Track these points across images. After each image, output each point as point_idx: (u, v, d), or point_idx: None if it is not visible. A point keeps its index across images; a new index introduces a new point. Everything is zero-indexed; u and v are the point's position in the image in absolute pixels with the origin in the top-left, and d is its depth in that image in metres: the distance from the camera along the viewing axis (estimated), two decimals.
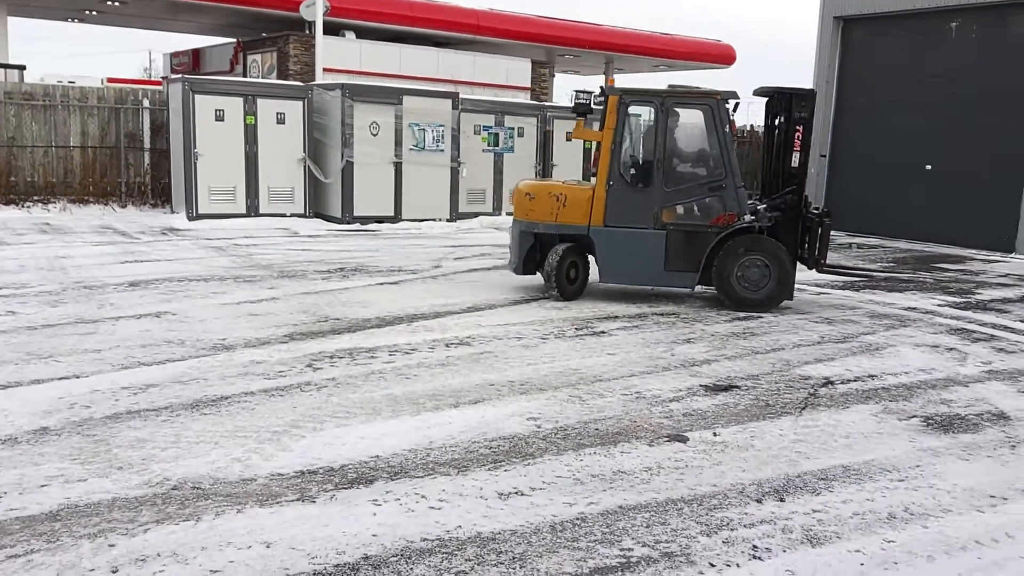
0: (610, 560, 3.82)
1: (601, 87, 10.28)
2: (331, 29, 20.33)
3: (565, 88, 32.04)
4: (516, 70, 22.91)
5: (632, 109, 9.85)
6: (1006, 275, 13.72)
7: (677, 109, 9.78)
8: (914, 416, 6.17)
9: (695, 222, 9.70)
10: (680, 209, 9.70)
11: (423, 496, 4.41)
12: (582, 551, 3.90)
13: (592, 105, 10.04)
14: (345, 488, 4.48)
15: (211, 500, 4.27)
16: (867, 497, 4.66)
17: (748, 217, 9.57)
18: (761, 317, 9.35)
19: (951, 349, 8.30)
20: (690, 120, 9.93)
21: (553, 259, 9.80)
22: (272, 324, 8.07)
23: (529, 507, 4.34)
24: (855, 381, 7.02)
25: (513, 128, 18.88)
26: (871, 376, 7.20)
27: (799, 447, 5.41)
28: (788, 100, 9.83)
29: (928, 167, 17.81)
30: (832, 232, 10.18)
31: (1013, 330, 9.34)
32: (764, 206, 9.80)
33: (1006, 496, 4.78)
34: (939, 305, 10.59)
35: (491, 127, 18.54)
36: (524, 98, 22.09)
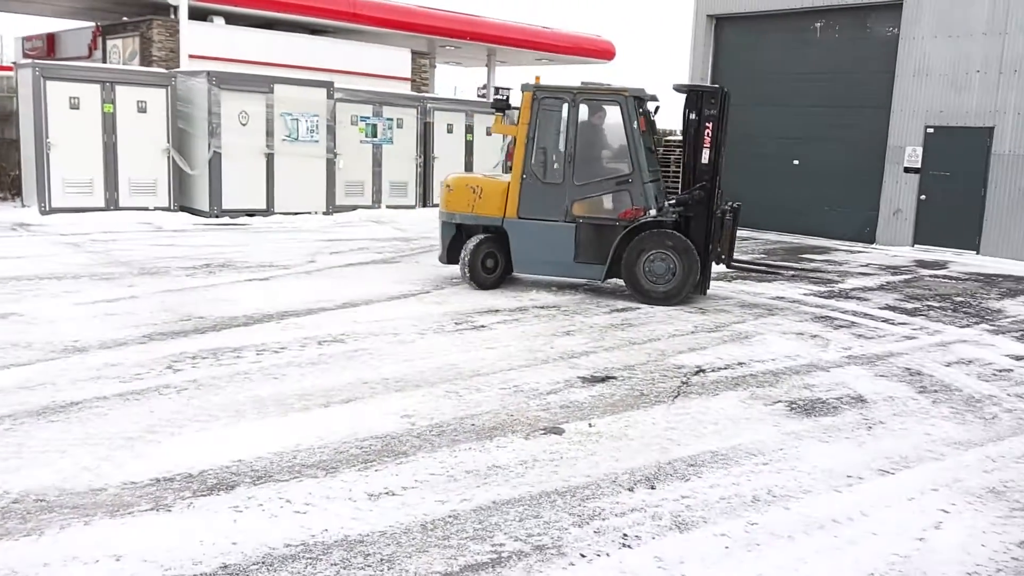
0: (481, 557, 3.77)
1: (524, 84, 10.37)
2: (198, 14, 19.59)
3: (447, 79, 31.85)
4: (395, 60, 22.58)
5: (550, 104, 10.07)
6: (867, 264, 14.33)
7: (588, 105, 10.03)
8: (779, 401, 6.34)
9: (603, 216, 9.89)
10: (589, 203, 9.91)
11: (288, 500, 4.25)
12: (453, 549, 3.83)
13: (510, 101, 10.38)
14: (204, 495, 4.28)
15: (56, 513, 4.01)
16: (733, 481, 4.75)
17: (652, 212, 9.70)
18: (639, 308, 9.47)
19: (815, 336, 8.59)
20: (601, 116, 10.17)
21: (467, 249, 10.18)
22: (130, 324, 7.69)
23: (400, 507, 4.25)
24: (725, 369, 7.18)
25: (392, 119, 18.61)
26: (740, 364, 7.37)
27: (671, 434, 5.48)
28: (699, 97, 9.95)
29: (796, 162, 18.45)
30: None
31: (872, 317, 9.74)
32: (672, 201, 9.97)
33: (862, 476, 4.96)
34: (805, 294, 10.96)
35: (369, 118, 18.21)
36: (404, 89, 21.82)
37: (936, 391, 6.84)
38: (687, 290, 9.74)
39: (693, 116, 10.00)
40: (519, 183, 10.08)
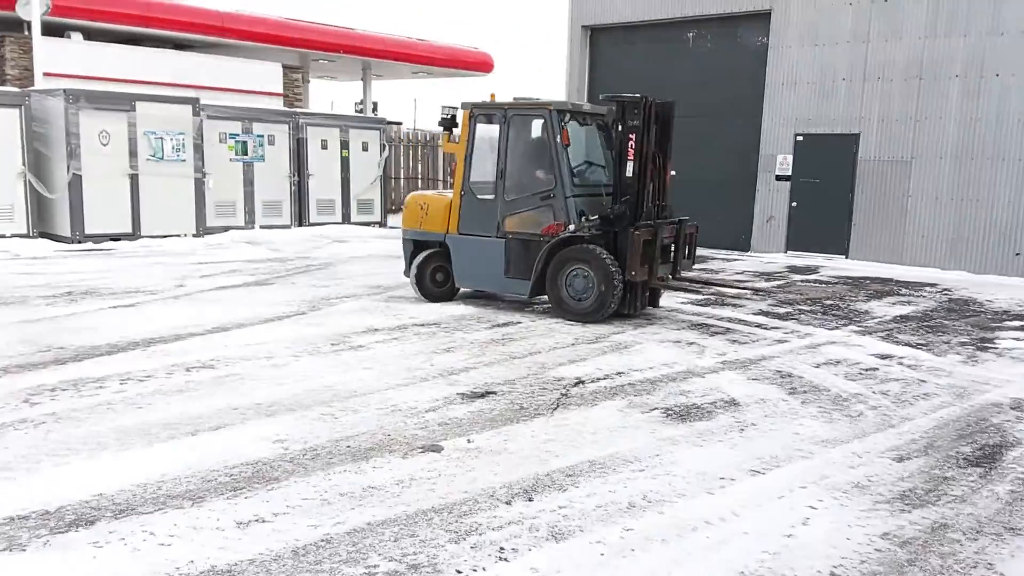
0: None
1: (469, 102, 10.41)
2: (55, 30, 18.76)
3: (322, 94, 31.35)
4: (266, 75, 22.07)
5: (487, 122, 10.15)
6: (742, 272, 14.77)
7: (516, 121, 10.03)
8: (655, 408, 6.43)
9: (529, 231, 9.90)
10: (518, 218, 9.97)
11: (151, 533, 4.06)
12: (325, 573, 3.72)
13: (456, 119, 10.36)
14: (61, 532, 4.05)
15: None
16: (610, 489, 4.78)
17: (571, 227, 9.61)
18: (519, 323, 9.50)
19: (691, 343, 8.77)
20: (532, 132, 10.15)
21: (415, 264, 10.70)
22: None
23: (271, 533, 4.11)
24: (604, 379, 7.24)
25: (263, 136, 18.20)
26: (619, 373, 7.46)
27: (550, 446, 5.48)
28: (623, 108, 9.66)
29: (673, 172, 18.87)
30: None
31: (746, 322, 10.02)
32: (596, 216, 9.68)
33: (734, 477, 5.07)
34: (682, 303, 11.19)
35: (238, 135, 17.78)
36: (276, 105, 21.35)
37: (805, 392, 7.07)
38: (609, 306, 9.47)
39: (620, 128, 9.78)
40: (459, 200, 10.34)
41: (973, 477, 5.25)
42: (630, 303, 9.78)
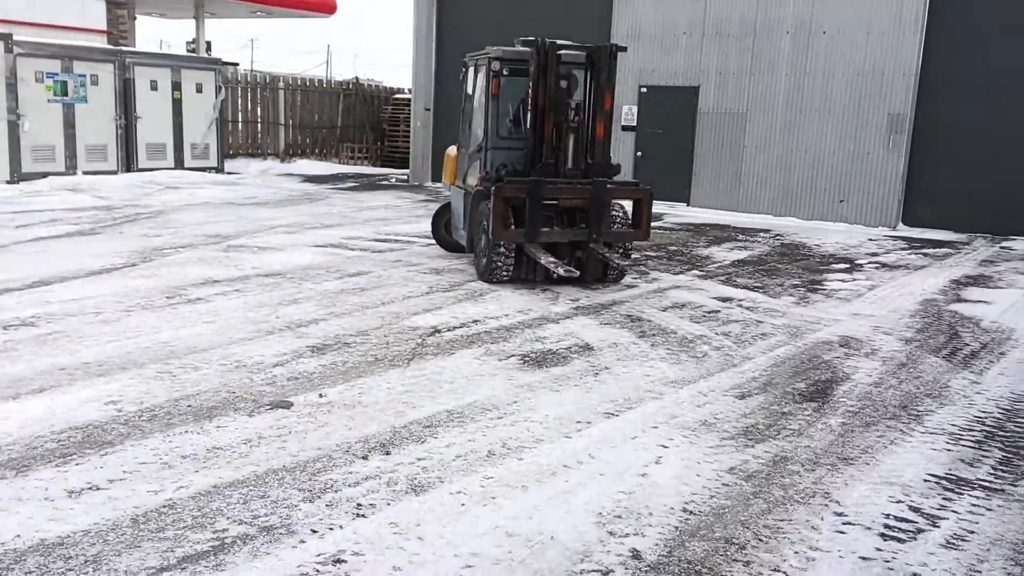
0: (202, 545, 3.45)
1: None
2: None
3: (150, 32, 29.59)
4: (87, 11, 20.50)
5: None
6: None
7: (478, 70, 9.69)
8: (512, 355, 6.39)
9: (471, 184, 9.60)
10: (469, 170, 9.80)
11: None
12: (169, 541, 3.48)
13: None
14: None
15: None
16: (469, 438, 4.71)
17: (472, 180, 9.41)
18: (371, 272, 9.25)
19: (545, 290, 8.78)
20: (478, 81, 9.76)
21: (434, 214, 11.00)
22: None
23: (106, 502, 3.82)
24: (460, 327, 7.15)
25: (85, 76, 16.95)
26: (475, 321, 7.38)
27: (406, 398, 5.36)
28: (530, 57, 8.81)
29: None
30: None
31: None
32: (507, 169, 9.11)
33: (590, 420, 5.11)
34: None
35: (57, 74, 16.49)
36: (100, 42, 19.90)
37: (654, 335, 7.21)
38: (494, 266, 8.78)
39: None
40: (456, 152, 10.36)
41: (808, 411, 5.52)
42: (529, 267, 8.94)
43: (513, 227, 8.68)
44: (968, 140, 15.39)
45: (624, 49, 9.16)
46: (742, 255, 11.84)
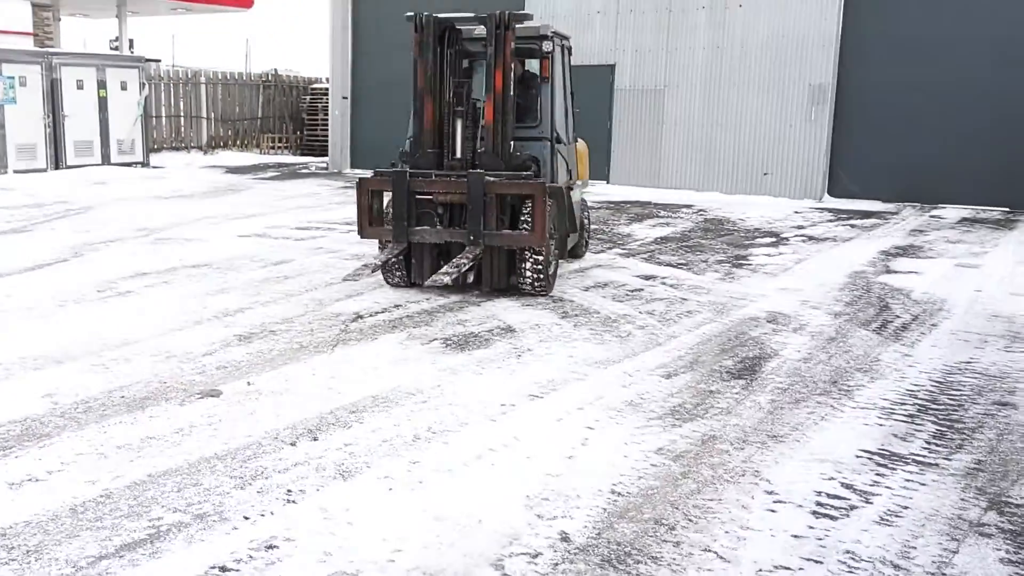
0: (138, 533, 3.59)
1: None
2: None
3: (74, 32, 29.02)
4: (13, 14, 20.41)
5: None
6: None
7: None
8: (435, 339, 6.56)
9: None
10: None
11: None
12: (107, 530, 3.61)
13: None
14: None
15: None
16: (394, 423, 4.86)
17: None
18: (294, 261, 9.35)
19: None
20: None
21: None
22: None
23: (45, 493, 3.92)
24: (382, 312, 7.30)
25: (14, 77, 16.99)
26: (396, 306, 7.53)
27: (332, 384, 5.50)
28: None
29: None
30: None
31: None
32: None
33: (514, 403, 5.26)
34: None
35: None
36: (26, 44, 19.82)
37: (576, 315, 7.41)
38: (390, 263, 7.98)
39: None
40: None
41: (736, 389, 5.60)
42: (428, 267, 7.97)
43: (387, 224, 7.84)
44: (893, 108, 15.52)
45: (527, 17, 7.95)
46: (664, 232, 12.10)
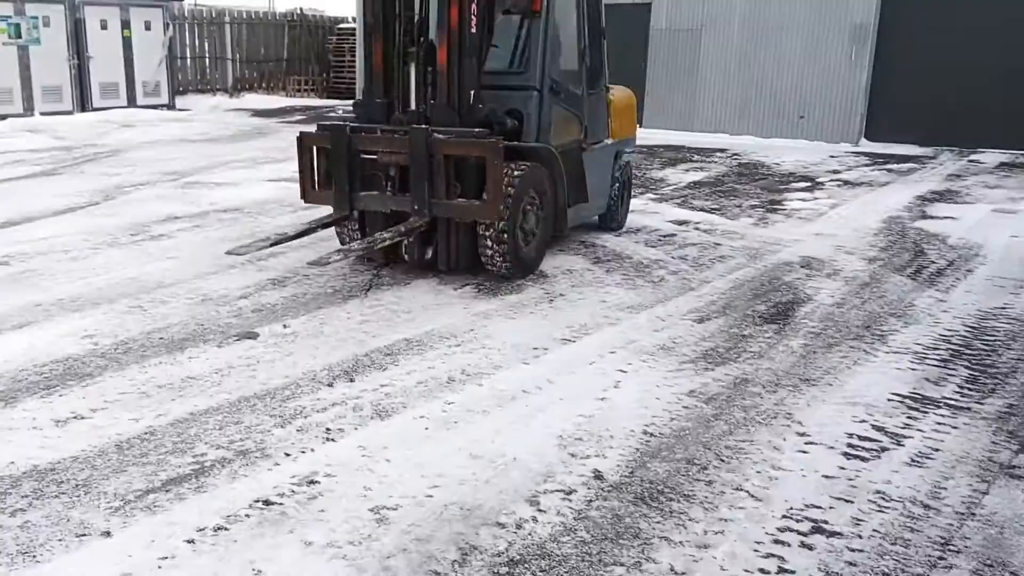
0: (183, 469, 3.69)
1: None
2: None
3: None
4: None
5: None
6: None
7: None
8: (467, 284, 6.58)
9: None
10: None
11: None
12: (152, 465, 3.72)
13: None
14: None
15: None
16: (429, 365, 4.93)
17: None
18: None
19: None
20: None
21: None
22: None
23: (91, 430, 4.04)
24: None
25: (37, 17, 16.86)
26: None
27: (366, 327, 5.56)
28: None
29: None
30: None
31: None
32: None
33: (547, 347, 5.30)
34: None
35: (10, 17, 16.39)
36: None
37: (609, 260, 7.42)
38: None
39: None
40: None
41: (769, 334, 5.61)
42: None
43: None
44: (933, 50, 15.14)
45: None
46: (698, 176, 11.99)
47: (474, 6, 6.30)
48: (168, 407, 4.31)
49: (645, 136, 16.32)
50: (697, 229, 8.70)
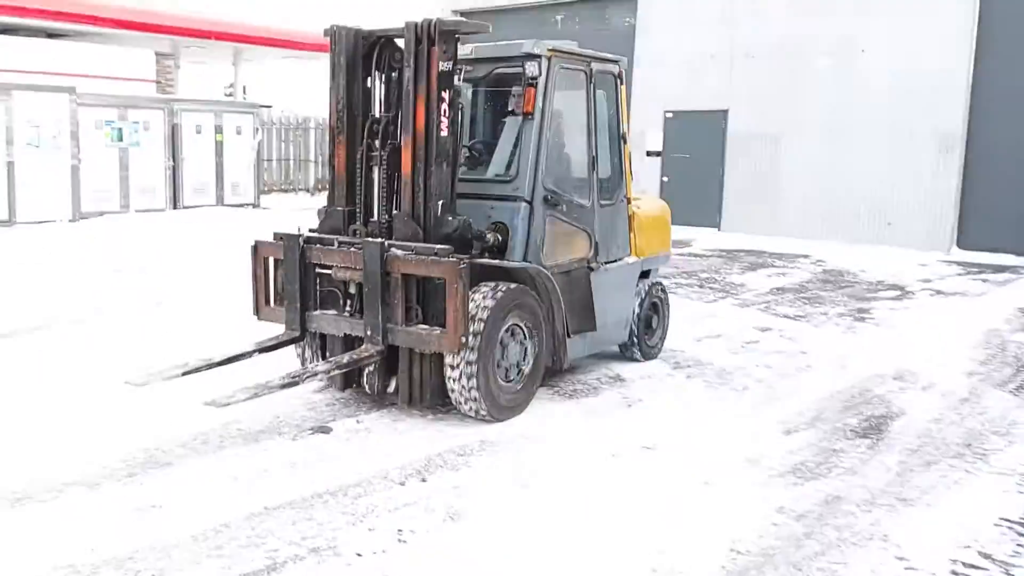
0: (256, 564, 3.65)
1: None
2: None
3: (193, 79, 30.77)
4: (138, 62, 21.77)
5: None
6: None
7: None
8: (542, 386, 6.35)
9: None
10: None
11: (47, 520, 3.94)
12: (227, 558, 3.68)
13: None
14: None
15: None
16: (501, 467, 4.81)
17: None
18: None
19: None
20: None
21: None
22: None
23: (166, 519, 4.04)
24: None
25: (139, 122, 17.95)
26: None
27: (439, 426, 5.48)
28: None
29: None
30: None
31: None
32: None
33: (624, 453, 5.12)
34: None
35: (114, 122, 17.48)
36: (149, 91, 21.09)
37: (689, 366, 7.18)
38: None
39: None
40: None
41: (862, 448, 5.32)
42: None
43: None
44: None
45: (467, 27, 5.90)
46: (780, 282, 11.71)
47: (445, 106, 5.56)
48: (242, 500, 4.29)
49: (723, 241, 16.13)
50: (781, 336, 8.43)
